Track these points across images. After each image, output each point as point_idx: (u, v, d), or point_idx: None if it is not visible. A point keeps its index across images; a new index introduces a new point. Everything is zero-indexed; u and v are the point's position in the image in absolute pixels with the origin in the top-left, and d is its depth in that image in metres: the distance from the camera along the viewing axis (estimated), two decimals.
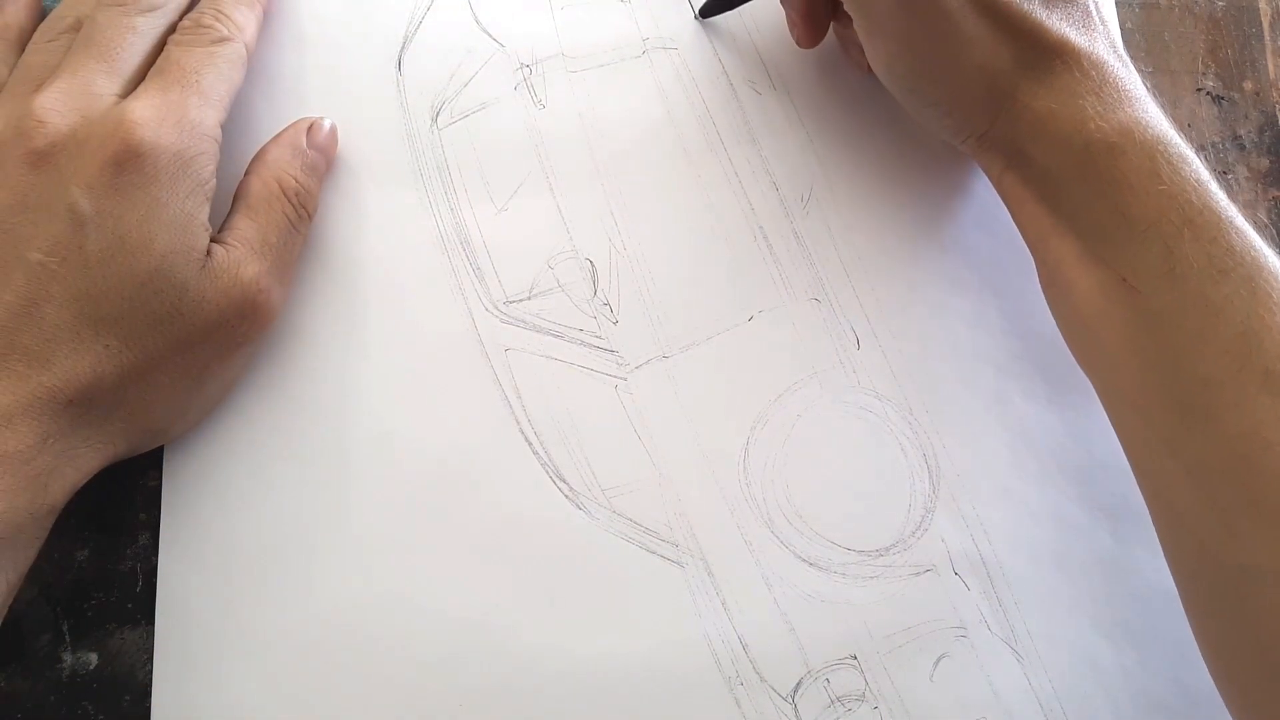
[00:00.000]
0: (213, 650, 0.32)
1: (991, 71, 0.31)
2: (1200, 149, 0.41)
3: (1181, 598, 0.32)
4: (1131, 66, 0.32)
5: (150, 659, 0.32)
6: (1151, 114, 0.31)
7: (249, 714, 0.32)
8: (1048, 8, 0.31)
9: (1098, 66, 0.31)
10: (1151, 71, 0.41)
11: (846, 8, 0.33)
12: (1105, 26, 0.32)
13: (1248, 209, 0.40)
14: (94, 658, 0.33)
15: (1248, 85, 0.41)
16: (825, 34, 0.37)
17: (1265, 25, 0.42)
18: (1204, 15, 0.42)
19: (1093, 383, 0.33)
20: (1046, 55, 0.31)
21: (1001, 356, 0.37)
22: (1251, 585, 0.28)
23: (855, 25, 0.33)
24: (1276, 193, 0.40)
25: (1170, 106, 0.41)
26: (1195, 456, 0.29)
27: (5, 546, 0.28)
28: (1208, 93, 0.41)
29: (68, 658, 0.33)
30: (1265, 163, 0.41)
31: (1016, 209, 0.33)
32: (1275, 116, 0.41)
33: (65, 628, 0.33)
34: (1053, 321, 0.34)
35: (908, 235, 0.38)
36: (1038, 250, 0.33)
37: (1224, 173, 0.40)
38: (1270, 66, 0.42)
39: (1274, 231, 0.40)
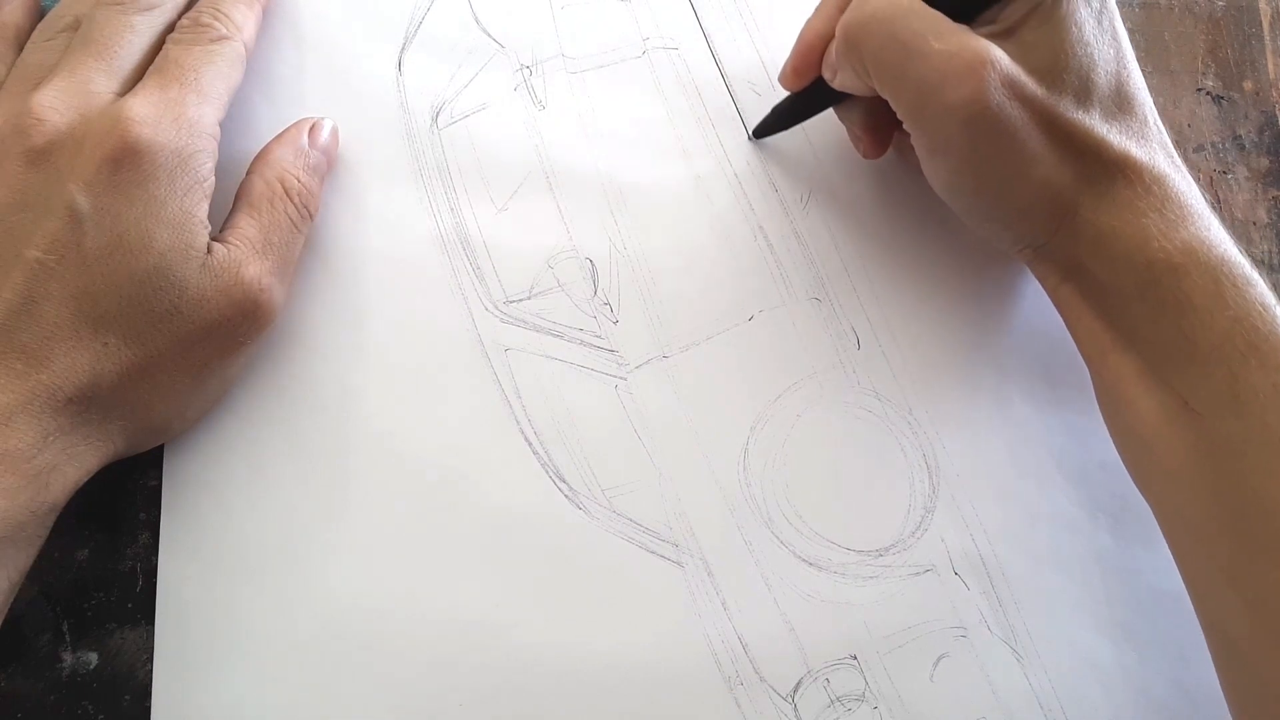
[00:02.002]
0: (213, 650, 0.32)
1: (1054, 187, 0.30)
2: (1200, 149, 0.41)
3: None
4: (1188, 174, 0.31)
5: (150, 659, 0.32)
6: (1214, 232, 0.30)
7: (248, 713, 0.32)
8: (1109, 121, 0.31)
9: (1159, 181, 0.30)
10: (1151, 71, 0.41)
11: (907, 127, 0.32)
12: (1161, 133, 0.32)
13: (1247, 209, 0.40)
14: (94, 657, 0.33)
15: (1248, 85, 0.41)
16: (890, 143, 0.36)
17: (1265, 25, 0.42)
18: (1204, 15, 0.42)
19: (1149, 503, 0.33)
20: (1109, 170, 0.30)
21: (1002, 357, 0.37)
22: None
23: (915, 143, 0.32)
24: (1276, 193, 0.40)
25: (1170, 106, 0.41)
26: (1256, 589, 0.28)
27: (6, 545, 0.28)
28: (1208, 93, 0.41)
29: (68, 657, 0.33)
30: (1265, 163, 0.41)
31: (1073, 322, 0.33)
32: (1275, 116, 0.41)
33: (65, 627, 0.33)
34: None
35: (908, 235, 0.38)
36: (1095, 364, 0.33)
37: (1224, 173, 0.40)
38: (1270, 66, 0.42)
39: (1274, 231, 0.40)
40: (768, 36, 0.39)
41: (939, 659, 0.34)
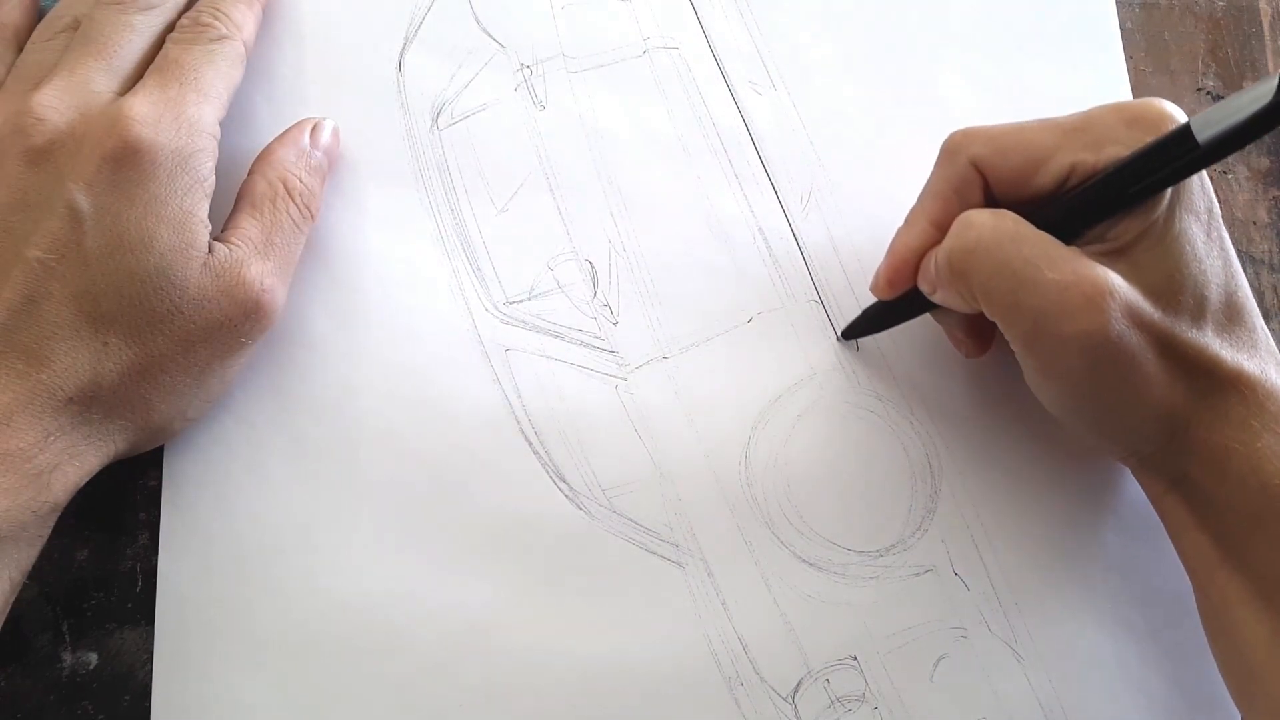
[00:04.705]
0: (213, 650, 0.32)
1: (1167, 407, 0.30)
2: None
3: None
4: None
5: (150, 659, 0.32)
6: None
7: (248, 713, 0.32)
8: (1221, 337, 0.30)
9: (1272, 396, 0.29)
10: (1151, 71, 0.41)
11: (1016, 350, 0.31)
12: (1269, 340, 0.31)
13: (1247, 209, 0.40)
14: (94, 657, 0.33)
15: (1248, 85, 0.41)
16: (992, 343, 0.35)
17: (1265, 25, 0.42)
18: (1204, 15, 0.42)
19: None
20: (1222, 387, 0.29)
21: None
22: None
23: (1023, 363, 0.31)
24: (1276, 192, 0.40)
25: None
26: None
27: (8, 544, 0.28)
28: (1208, 92, 0.41)
29: (68, 657, 0.33)
30: (1265, 163, 0.41)
31: (1178, 533, 0.32)
32: None
33: (65, 627, 0.33)
34: None
35: None
36: (1200, 579, 0.32)
37: (1224, 173, 0.40)
38: (1271, 66, 0.42)
39: (1274, 231, 0.40)
40: (768, 36, 0.39)
41: (939, 659, 0.34)
